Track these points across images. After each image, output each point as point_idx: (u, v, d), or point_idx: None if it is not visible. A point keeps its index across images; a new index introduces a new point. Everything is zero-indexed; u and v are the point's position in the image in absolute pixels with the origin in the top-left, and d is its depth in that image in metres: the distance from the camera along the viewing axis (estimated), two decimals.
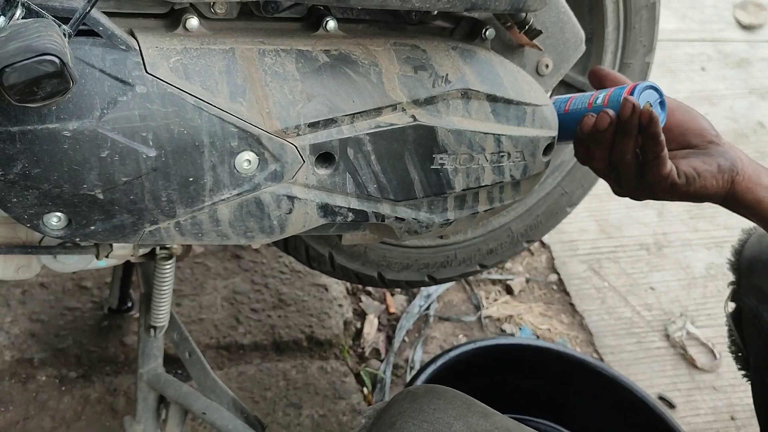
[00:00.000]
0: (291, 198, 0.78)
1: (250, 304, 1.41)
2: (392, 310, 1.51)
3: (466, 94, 0.83)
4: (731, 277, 1.05)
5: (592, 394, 1.24)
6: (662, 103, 0.83)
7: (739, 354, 1.03)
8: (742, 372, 1.06)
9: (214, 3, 0.77)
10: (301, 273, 1.48)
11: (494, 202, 0.91)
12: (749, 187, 0.80)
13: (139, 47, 0.71)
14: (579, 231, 1.74)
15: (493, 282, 1.60)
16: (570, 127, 0.88)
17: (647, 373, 1.45)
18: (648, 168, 0.80)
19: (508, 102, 0.85)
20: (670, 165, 0.80)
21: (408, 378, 1.38)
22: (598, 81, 0.90)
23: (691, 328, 1.51)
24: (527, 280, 1.62)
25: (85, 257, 0.89)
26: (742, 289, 1.02)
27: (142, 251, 0.94)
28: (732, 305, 1.05)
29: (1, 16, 0.57)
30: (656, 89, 0.83)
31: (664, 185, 0.80)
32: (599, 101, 0.86)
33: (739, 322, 1.02)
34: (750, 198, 0.80)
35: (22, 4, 0.59)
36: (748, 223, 0.90)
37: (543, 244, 1.70)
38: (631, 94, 0.82)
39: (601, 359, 1.47)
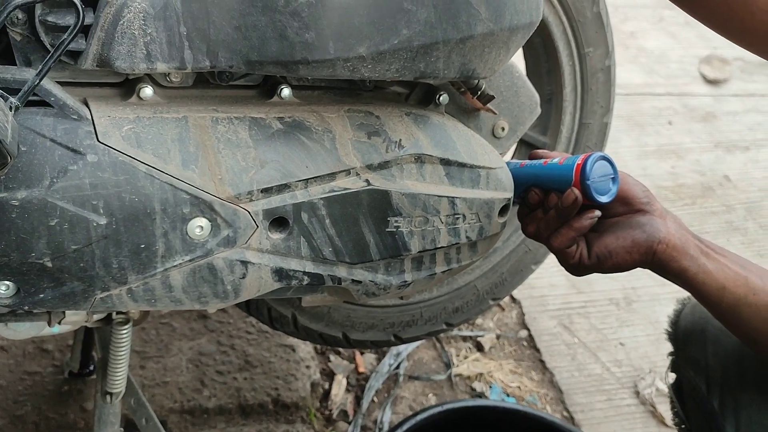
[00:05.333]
0: (244, 263, 0.78)
1: (216, 366, 1.39)
2: (361, 369, 1.49)
3: (420, 159, 0.84)
4: (670, 347, 1.04)
5: None
6: (614, 179, 0.84)
7: (683, 426, 1.02)
8: None
9: (168, 73, 0.79)
10: (267, 334, 1.46)
11: (452, 263, 0.92)
12: (673, 256, 0.81)
13: (92, 116, 0.72)
14: (549, 286, 1.75)
15: (464, 339, 1.59)
16: (523, 182, 0.90)
17: None
18: (550, 238, 0.84)
19: (462, 165, 0.87)
20: (562, 241, 0.83)
21: None
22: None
23: (661, 384, 1.50)
24: (498, 337, 1.61)
25: (37, 324, 0.88)
26: (679, 360, 1.01)
27: (97, 317, 0.93)
28: (672, 376, 1.04)
29: None
30: (610, 162, 0.84)
31: (571, 262, 0.84)
32: (555, 160, 0.88)
33: (680, 393, 1.01)
34: (674, 266, 0.81)
35: None
36: None
37: (513, 300, 1.71)
38: (585, 163, 0.83)
39: (572, 418, 1.46)
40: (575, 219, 0.83)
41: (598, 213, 0.83)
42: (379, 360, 1.51)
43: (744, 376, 0.93)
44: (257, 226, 0.77)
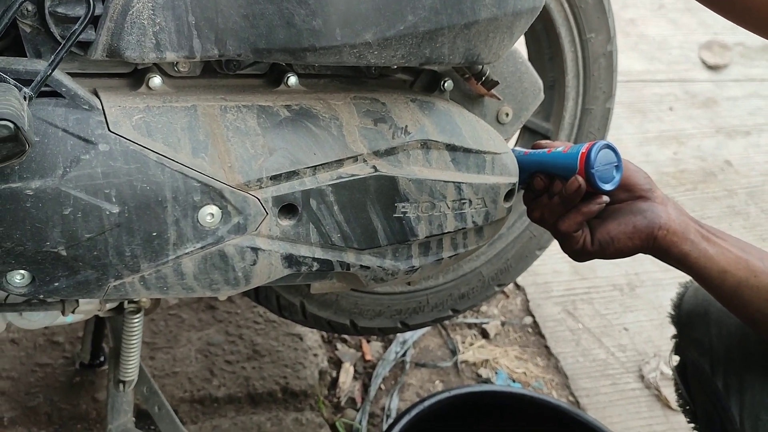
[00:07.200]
0: (255, 249, 0.79)
1: (225, 355, 1.40)
2: (368, 357, 1.50)
3: (426, 145, 0.85)
4: (674, 331, 1.06)
5: None
6: (618, 167, 0.85)
7: (687, 407, 1.02)
8: (692, 425, 1.04)
9: (177, 62, 0.79)
10: (275, 323, 1.47)
11: (458, 248, 0.93)
12: (674, 241, 0.82)
13: (102, 106, 0.73)
14: (553, 272, 1.76)
15: (469, 326, 1.61)
16: (527, 170, 0.91)
17: (622, 416, 1.45)
18: (556, 223, 0.85)
19: (468, 151, 0.88)
20: (569, 225, 0.84)
21: (384, 427, 1.37)
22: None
23: (665, 368, 1.52)
24: (503, 323, 1.63)
25: (51, 313, 0.89)
26: (683, 342, 1.02)
27: (109, 306, 0.94)
28: (676, 358, 1.05)
29: None
30: (613, 150, 0.85)
31: (575, 247, 0.85)
32: (559, 149, 0.89)
33: (684, 375, 1.02)
34: (675, 252, 0.82)
35: None
36: None
37: (518, 287, 1.72)
38: (589, 151, 0.84)
39: (577, 402, 1.47)
40: (583, 203, 0.84)
41: (606, 198, 0.84)
42: (385, 348, 1.52)
43: (748, 356, 0.94)
44: (267, 213, 0.78)
